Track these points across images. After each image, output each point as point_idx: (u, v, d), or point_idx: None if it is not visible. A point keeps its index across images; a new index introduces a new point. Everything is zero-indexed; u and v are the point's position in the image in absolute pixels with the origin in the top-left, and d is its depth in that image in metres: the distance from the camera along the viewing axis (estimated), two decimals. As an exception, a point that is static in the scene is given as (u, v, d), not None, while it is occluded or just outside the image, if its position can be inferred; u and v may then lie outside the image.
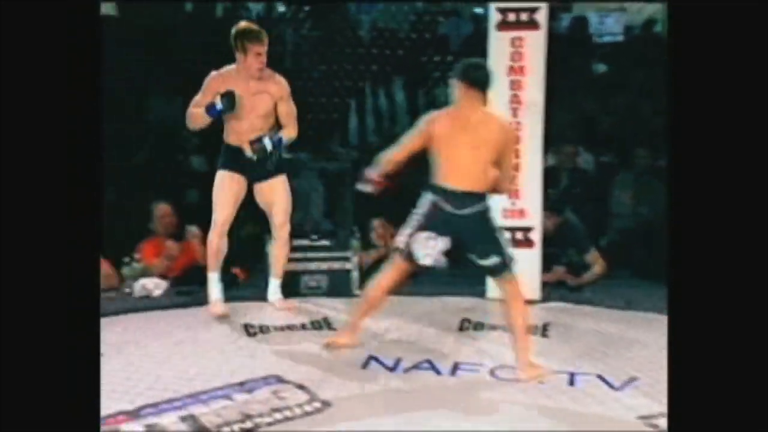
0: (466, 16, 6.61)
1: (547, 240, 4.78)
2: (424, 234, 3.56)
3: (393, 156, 3.63)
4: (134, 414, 3.22)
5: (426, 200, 3.58)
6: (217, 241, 4.39)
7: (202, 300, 4.70)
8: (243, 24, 4.19)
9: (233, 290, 4.87)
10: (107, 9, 4.94)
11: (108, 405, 3.29)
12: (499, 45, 4.52)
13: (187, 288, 4.86)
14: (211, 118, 4.20)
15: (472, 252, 3.60)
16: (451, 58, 5.36)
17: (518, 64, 4.50)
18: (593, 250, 5.06)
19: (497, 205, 4.66)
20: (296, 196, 5.09)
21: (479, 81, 3.54)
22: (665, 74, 2.41)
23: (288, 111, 4.35)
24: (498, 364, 3.78)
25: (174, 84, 6.62)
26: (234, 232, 5.34)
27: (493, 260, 3.59)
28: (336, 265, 4.85)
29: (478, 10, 6.89)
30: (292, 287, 4.79)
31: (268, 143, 4.25)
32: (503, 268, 3.60)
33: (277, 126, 4.36)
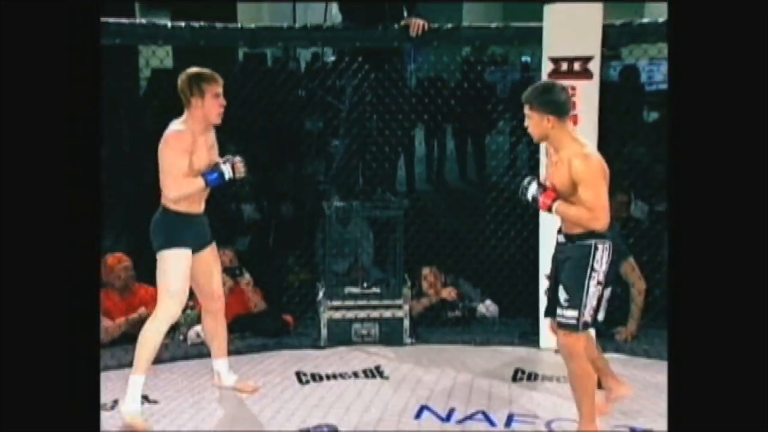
0: (516, 64, 6.67)
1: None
2: (606, 294, 3.21)
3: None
4: (190, 462, 3.23)
5: (604, 251, 3.16)
6: (159, 338, 3.68)
7: (253, 347, 4.72)
8: (192, 69, 3.69)
9: (284, 337, 4.88)
10: (165, 63, 5.06)
11: (164, 453, 3.32)
12: (551, 94, 4.52)
13: (239, 335, 4.87)
14: (209, 185, 3.70)
15: None
16: (502, 107, 5.38)
17: (571, 113, 4.47)
18: (629, 258, 4.67)
19: (548, 254, 4.64)
20: (346, 243, 5.13)
21: (569, 105, 3.25)
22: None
23: None
24: (554, 416, 3.71)
25: (225, 132, 6.77)
26: (285, 278, 5.39)
27: None
28: (387, 314, 4.83)
29: (526, 59, 6.95)
30: (342, 335, 4.78)
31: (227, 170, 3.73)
32: None
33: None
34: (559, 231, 3.35)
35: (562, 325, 3.25)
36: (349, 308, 4.82)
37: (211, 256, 3.88)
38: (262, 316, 5.00)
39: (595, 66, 4.41)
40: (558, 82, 3.30)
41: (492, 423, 3.67)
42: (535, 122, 3.20)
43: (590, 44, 4.43)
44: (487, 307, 5.20)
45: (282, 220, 6.09)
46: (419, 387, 4.11)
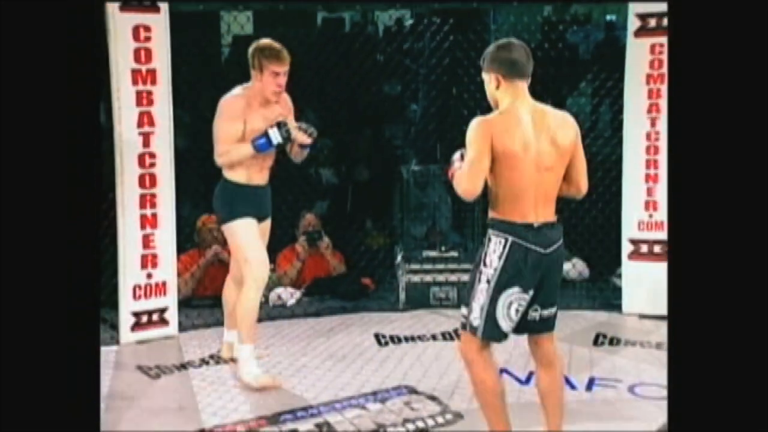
0: (600, 23, 6.47)
1: None
2: (503, 298, 2.68)
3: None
4: (273, 419, 3.31)
5: (498, 245, 2.68)
6: (255, 304, 3.65)
7: (333, 309, 4.79)
8: (263, 41, 3.62)
9: (363, 301, 4.94)
10: (246, 30, 5.13)
11: (248, 409, 3.41)
12: (637, 52, 4.39)
13: (318, 297, 4.97)
14: (258, 152, 3.58)
15: (539, 301, 2.76)
16: (584, 69, 5.26)
17: (658, 72, 4.35)
18: None
19: (632, 218, 4.56)
20: (424, 207, 5.14)
21: (519, 66, 2.69)
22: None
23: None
24: (637, 380, 3.66)
25: (303, 97, 6.82)
26: (363, 242, 5.45)
27: (552, 310, 2.83)
28: (465, 277, 4.80)
29: (610, 17, 6.74)
30: (420, 299, 4.81)
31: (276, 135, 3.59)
32: (554, 320, 2.86)
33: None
34: None
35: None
36: (427, 272, 4.84)
37: (264, 230, 3.80)
38: (341, 279, 5.08)
39: (684, 21, 4.25)
40: (516, 41, 2.77)
41: (573, 386, 3.64)
42: (486, 85, 2.77)
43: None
44: (574, 265, 5.08)
45: (360, 185, 6.13)
46: (498, 350, 4.02)
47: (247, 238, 3.64)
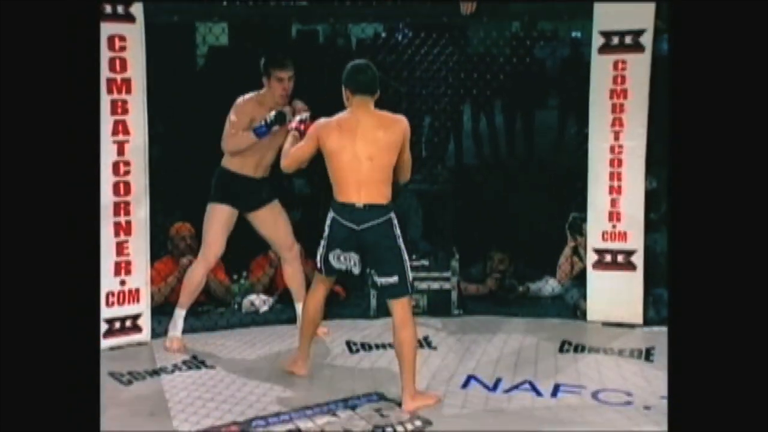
0: (566, 40, 6.62)
1: None
2: (332, 254, 3.56)
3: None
4: (245, 425, 3.37)
5: (328, 218, 3.55)
6: (201, 277, 4.27)
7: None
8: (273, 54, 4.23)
9: (334, 308, 4.99)
10: (221, 40, 5.17)
11: (220, 415, 3.46)
12: (601, 68, 4.52)
13: (291, 304, 5.00)
14: (257, 137, 4.05)
15: (372, 268, 3.59)
16: (549, 84, 5.38)
17: (621, 88, 4.48)
18: None
19: (597, 228, 4.68)
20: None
21: (363, 86, 3.47)
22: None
23: None
24: (600, 386, 3.76)
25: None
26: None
27: (387, 279, 3.55)
28: (435, 285, 4.91)
29: (576, 34, 6.90)
30: (391, 306, 4.86)
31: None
32: (395, 289, 3.56)
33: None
34: None
35: None
36: (398, 280, 4.89)
37: (270, 213, 4.31)
38: (313, 287, 5.10)
39: (647, 39, 4.38)
40: (365, 65, 3.54)
41: (538, 393, 3.73)
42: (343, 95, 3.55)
43: (642, 17, 4.40)
44: (548, 282, 5.19)
45: (332, 194, 6.17)
46: (466, 357, 4.19)
47: (210, 221, 4.20)
